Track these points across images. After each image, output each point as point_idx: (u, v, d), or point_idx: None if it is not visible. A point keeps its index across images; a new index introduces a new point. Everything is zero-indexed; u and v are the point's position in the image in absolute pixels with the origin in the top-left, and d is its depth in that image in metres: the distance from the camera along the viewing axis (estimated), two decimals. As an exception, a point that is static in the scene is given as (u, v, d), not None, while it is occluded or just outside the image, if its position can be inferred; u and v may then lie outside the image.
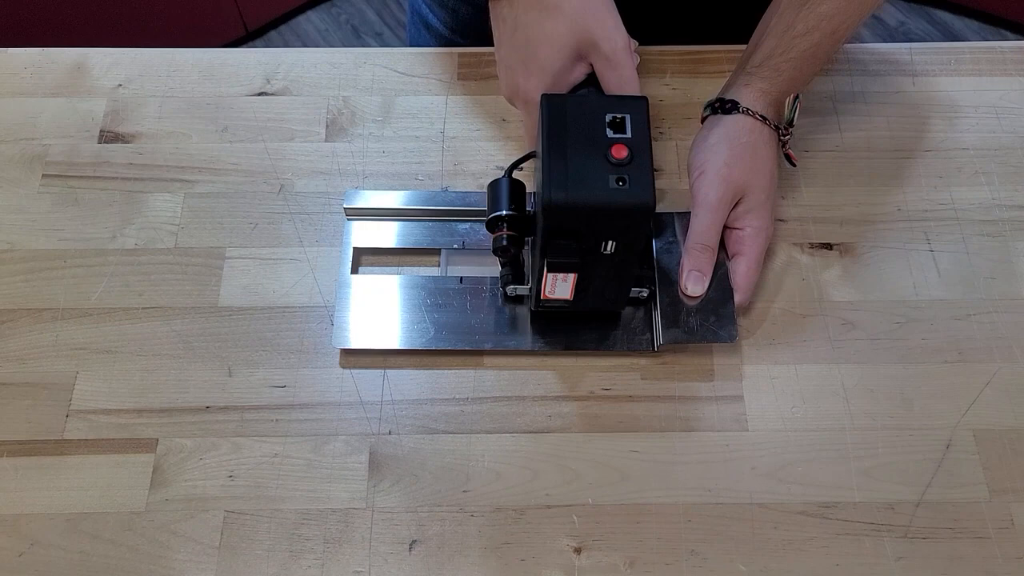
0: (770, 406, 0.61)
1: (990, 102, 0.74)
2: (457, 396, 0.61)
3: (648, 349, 0.62)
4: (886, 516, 0.57)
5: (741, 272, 0.62)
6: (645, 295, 0.62)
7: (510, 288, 0.62)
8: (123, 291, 0.65)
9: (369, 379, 0.62)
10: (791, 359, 0.63)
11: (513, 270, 0.62)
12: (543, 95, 0.55)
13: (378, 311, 0.63)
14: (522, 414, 0.61)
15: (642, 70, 0.74)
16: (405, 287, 0.64)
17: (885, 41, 1.99)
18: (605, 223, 0.53)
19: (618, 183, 0.51)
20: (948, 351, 0.63)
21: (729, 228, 0.63)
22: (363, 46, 1.98)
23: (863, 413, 0.61)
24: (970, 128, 0.72)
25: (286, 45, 1.99)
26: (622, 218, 0.52)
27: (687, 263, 0.62)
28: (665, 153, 0.71)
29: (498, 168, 0.70)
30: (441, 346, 0.62)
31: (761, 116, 0.63)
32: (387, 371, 0.62)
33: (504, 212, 0.57)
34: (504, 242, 0.58)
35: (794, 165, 0.66)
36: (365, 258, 0.67)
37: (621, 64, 0.60)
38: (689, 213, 0.63)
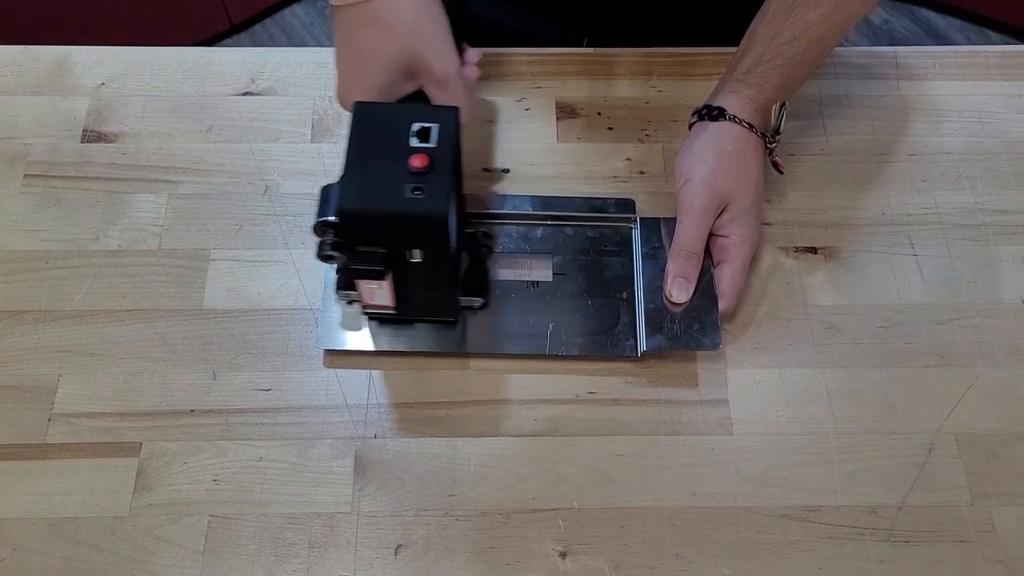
0: (755, 410, 0.61)
1: (974, 106, 0.74)
2: (443, 399, 0.61)
3: (632, 356, 0.62)
4: (869, 520, 0.57)
5: (726, 279, 0.62)
6: (478, 305, 0.62)
7: (342, 294, 0.61)
8: (106, 293, 0.64)
9: (355, 382, 0.62)
10: (775, 363, 0.63)
11: (346, 276, 0.61)
12: (356, 102, 0.55)
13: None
14: (508, 418, 0.61)
15: (629, 72, 0.75)
16: None
17: (869, 39, 1.99)
18: (402, 232, 0.53)
19: (414, 192, 0.52)
20: (931, 355, 0.63)
21: (714, 235, 0.63)
22: (348, 40, 1.97)
23: (847, 417, 0.61)
24: (954, 132, 0.73)
25: (271, 38, 1.98)
26: (417, 227, 0.53)
27: (672, 270, 0.62)
28: (651, 156, 0.71)
29: (484, 169, 0.70)
30: (425, 348, 0.62)
31: (748, 123, 0.63)
32: (372, 374, 0.62)
33: (331, 218, 0.55)
34: (328, 249, 0.57)
35: (781, 173, 0.67)
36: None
37: (450, 87, 0.60)
38: (675, 219, 0.63)
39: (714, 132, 0.63)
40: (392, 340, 0.62)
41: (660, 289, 0.62)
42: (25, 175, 0.69)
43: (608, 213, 0.66)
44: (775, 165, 0.66)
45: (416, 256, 0.55)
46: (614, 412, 0.61)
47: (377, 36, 0.59)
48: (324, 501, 0.58)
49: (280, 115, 0.72)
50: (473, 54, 0.64)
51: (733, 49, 0.76)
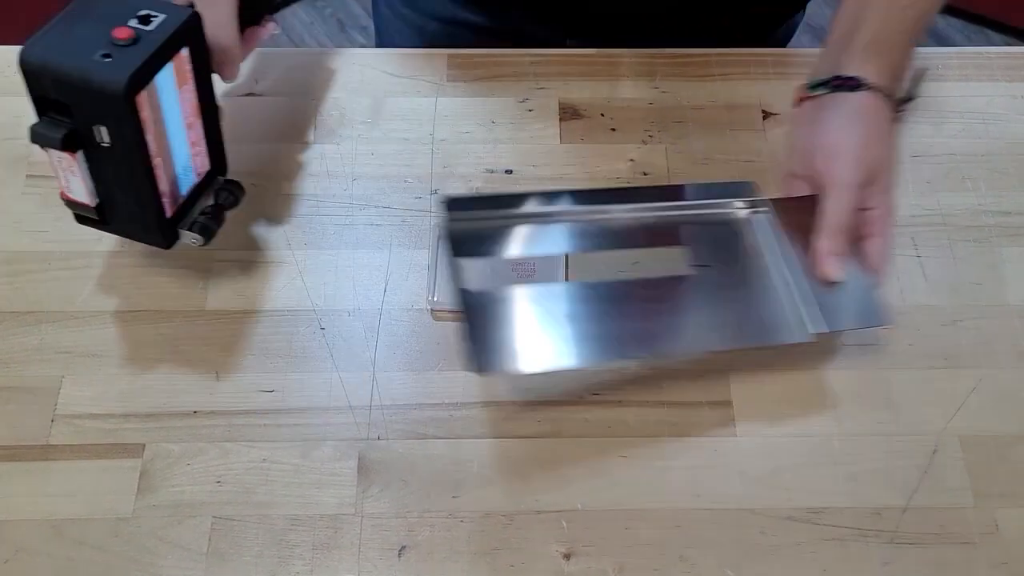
0: (758, 412, 0.61)
1: (977, 108, 0.74)
2: (446, 401, 0.61)
3: (804, 340, 0.59)
4: (873, 521, 0.57)
5: (877, 253, 0.60)
6: (198, 243, 0.60)
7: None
8: (109, 294, 0.64)
9: (358, 384, 0.62)
10: (779, 365, 0.63)
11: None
12: None
13: (519, 326, 0.57)
14: (512, 419, 0.61)
15: (632, 73, 0.75)
16: (539, 299, 0.59)
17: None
18: (81, 99, 0.51)
19: (103, 57, 0.50)
20: (935, 357, 0.63)
21: (859, 209, 0.61)
22: (348, 39, 1.97)
23: (850, 419, 0.61)
24: (957, 133, 0.73)
25: (271, 38, 1.98)
26: (95, 94, 0.50)
27: (824, 247, 0.59)
28: (654, 157, 0.71)
29: (487, 171, 0.70)
30: (598, 360, 0.59)
31: (885, 93, 0.62)
32: (376, 375, 0.62)
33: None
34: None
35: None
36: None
37: (215, 4, 0.58)
38: (809, 197, 0.62)
39: (856, 103, 0.62)
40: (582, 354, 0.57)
41: (811, 270, 0.60)
42: (28, 176, 0.69)
43: (733, 198, 0.64)
44: None
45: (104, 137, 0.52)
46: (618, 413, 0.61)
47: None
48: (327, 502, 0.58)
49: (283, 116, 0.72)
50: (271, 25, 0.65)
51: (737, 50, 0.76)
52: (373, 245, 0.67)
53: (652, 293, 0.61)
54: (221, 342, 0.63)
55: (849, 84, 0.62)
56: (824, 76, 0.64)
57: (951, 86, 0.75)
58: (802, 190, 0.63)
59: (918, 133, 0.73)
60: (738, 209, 0.65)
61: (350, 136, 0.72)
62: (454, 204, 0.61)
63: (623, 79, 0.75)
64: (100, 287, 0.64)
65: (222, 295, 0.65)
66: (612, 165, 0.71)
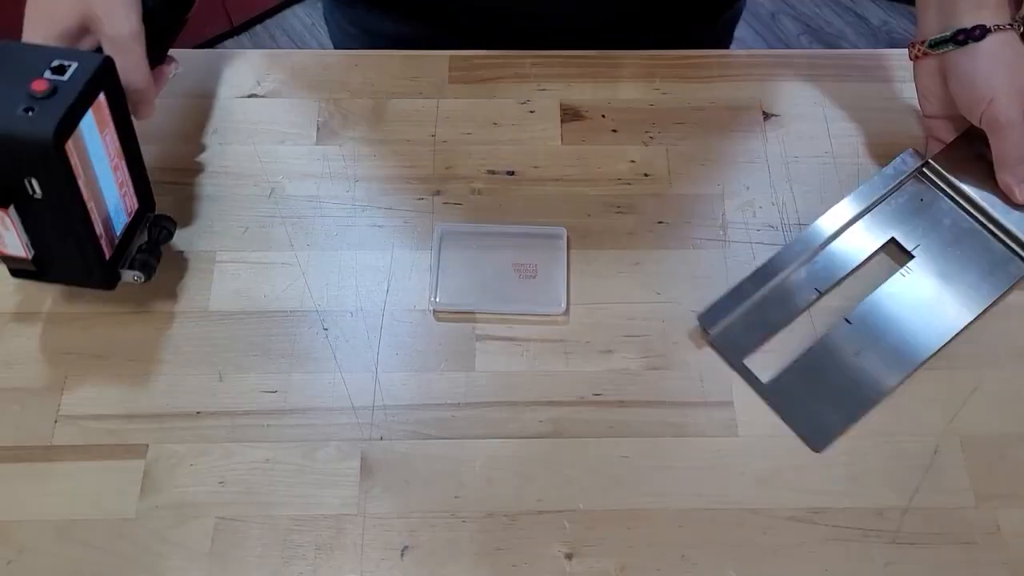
0: (760, 412, 0.61)
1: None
2: (449, 401, 0.61)
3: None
4: (874, 521, 0.58)
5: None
6: (140, 280, 0.60)
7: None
8: (112, 295, 0.64)
9: (361, 384, 0.62)
10: (781, 365, 0.63)
11: None
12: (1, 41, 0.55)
13: (821, 390, 0.62)
14: (514, 419, 0.61)
15: (633, 75, 0.75)
16: None
17: (868, 39, 2.00)
18: (10, 155, 0.51)
19: (25, 112, 0.51)
20: (935, 358, 0.63)
21: None
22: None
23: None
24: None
25: (272, 39, 1.98)
26: (22, 149, 0.51)
27: (1013, 179, 0.65)
28: (655, 158, 0.71)
29: (489, 172, 0.70)
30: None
31: (1012, 24, 0.63)
32: (379, 376, 0.62)
33: None
34: None
35: None
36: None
37: (125, 49, 0.58)
38: (964, 140, 0.68)
39: (989, 50, 0.63)
40: None
41: (1006, 204, 0.66)
42: (31, 177, 0.69)
43: (902, 176, 0.68)
44: None
45: (36, 189, 0.52)
46: (620, 414, 0.61)
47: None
48: (330, 503, 0.58)
49: (285, 118, 0.73)
50: (173, 64, 0.67)
51: (737, 52, 0.77)
52: (375, 246, 0.67)
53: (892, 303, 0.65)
54: (224, 343, 0.63)
55: (974, 35, 0.63)
56: (944, 32, 0.64)
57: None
58: (949, 129, 0.69)
59: (922, 134, 0.73)
60: (912, 180, 0.69)
61: (352, 137, 0.72)
62: (708, 318, 0.63)
63: (624, 81, 0.75)
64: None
65: (225, 296, 0.65)
66: (613, 166, 0.71)
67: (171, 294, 0.65)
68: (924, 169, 0.69)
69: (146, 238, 0.62)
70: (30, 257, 0.57)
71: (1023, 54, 0.63)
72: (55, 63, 0.53)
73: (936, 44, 0.65)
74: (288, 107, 0.73)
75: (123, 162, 0.60)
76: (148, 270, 0.61)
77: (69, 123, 0.52)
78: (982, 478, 0.59)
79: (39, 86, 0.52)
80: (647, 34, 0.78)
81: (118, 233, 0.60)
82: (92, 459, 0.59)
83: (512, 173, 0.70)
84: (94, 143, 0.56)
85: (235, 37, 1.96)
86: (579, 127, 0.73)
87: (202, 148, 0.71)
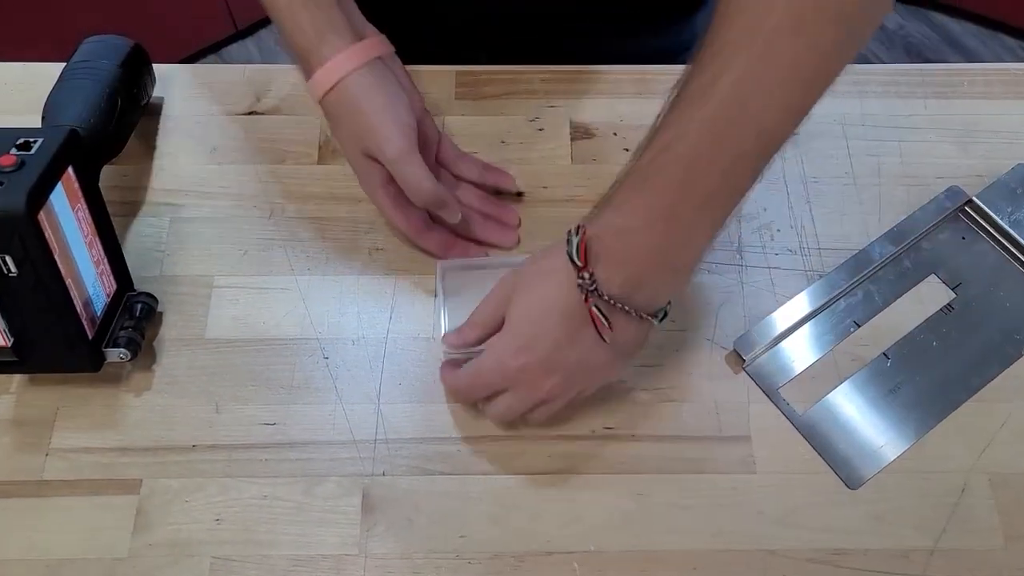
0: (778, 447, 0.59)
1: (1005, 126, 0.71)
2: (453, 435, 0.59)
3: None
4: (899, 565, 0.55)
5: (460, 372, 0.57)
6: (127, 358, 0.58)
7: None
8: (106, 322, 0.62)
9: (362, 416, 0.59)
10: (800, 397, 0.60)
11: None
12: None
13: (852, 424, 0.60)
14: (521, 454, 0.58)
15: (645, 91, 0.72)
16: None
17: (884, 45, 1.97)
18: None
19: None
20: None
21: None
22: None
23: (875, 454, 0.59)
24: (985, 154, 0.70)
25: (277, 44, 1.96)
26: None
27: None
28: (670, 178, 0.69)
29: (496, 193, 0.68)
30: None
31: (570, 257, 0.50)
32: (381, 407, 0.60)
33: None
34: None
35: (604, 340, 0.52)
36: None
37: (402, 169, 0.59)
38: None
39: (549, 249, 0.53)
40: None
41: None
42: None
43: (941, 215, 0.66)
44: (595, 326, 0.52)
45: (11, 267, 0.51)
46: (632, 448, 0.59)
47: (336, 127, 0.62)
48: (330, 542, 0.55)
49: (286, 135, 0.70)
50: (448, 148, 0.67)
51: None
52: (378, 270, 0.65)
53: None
54: (221, 372, 0.61)
55: (568, 232, 0.51)
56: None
57: (977, 104, 0.72)
58: None
59: (943, 154, 0.70)
60: (953, 218, 0.67)
61: None
62: (744, 345, 0.61)
63: (635, 97, 0.72)
64: (97, 314, 0.62)
65: (222, 323, 0.62)
66: (625, 187, 0.68)
67: (167, 321, 0.62)
68: (966, 207, 0.67)
69: (128, 316, 0.60)
70: (9, 344, 0.55)
71: (538, 267, 0.53)
72: (20, 140, 0.53)
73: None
74: (289, 125, 0.71)
75: (98, 240, 0.58)
76: (134, 347, 0.59)
77: (39, 194, 0.51)
78: (1012, 518, 0.56)
79: (6, 161, 0.51)
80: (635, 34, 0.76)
81: (98, 313, 0.58)
82: (84, 494, 0.57)
83: (520, 194, 0.68)
84: (66, 217, 0.54)
85: (240, 41, 1.94)
86: (589, 145, 0.70)
87: (199, 168, 0.69)
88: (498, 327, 0.54)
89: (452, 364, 0.59)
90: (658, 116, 0.50)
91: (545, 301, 0.52)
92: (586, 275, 0.49)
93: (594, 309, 0.50)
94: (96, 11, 1.66)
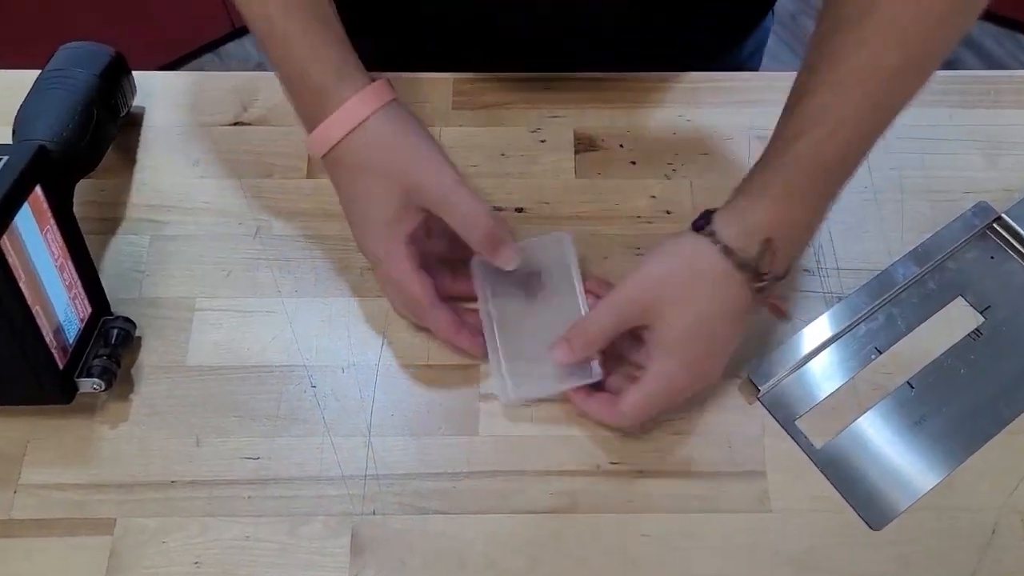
0: (795, 483, 0.55)
1: (1032, 137, 0.67)
2: (449, 470, 0.55)
3: None
4: (926, 613, 0.51)
5: (628, 400, 0.53)
6: (100, 388, 0.54)
7: None
8: (81, 347, 0.58)
9: (352, 450, 0.56)
10: (817, 429, 0.57)
11: None
12: None
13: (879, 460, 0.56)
14: (521, 492, 0.55)
15: (654, 100, 0.69)
16: None
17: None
18: None
19: None
20: (992, 422, 0.57)
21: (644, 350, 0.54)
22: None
23: (899, 492, 0.55)
24: (1014, 166, 0.66)
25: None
26: None
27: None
28: (678, 194, 0.65)
29: (496, 208, 0.64)
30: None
31: (722, 244, 0.50)
32: (372, 440, 0.56)
33: None
34: None
35: (784, 318, 0.57)
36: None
37: (454, 203, 0.53)
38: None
39: (678, 241, 0.53)
40: None
41: None
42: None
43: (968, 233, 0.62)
44: (771, 308, 0.57)
45: None
46: (639, 485, 0.55)
47: (359, 179, 0.54)
48: (317, 587, 0.52)
49: (274, 147, 0.66)
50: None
51: (771, 74, 0.71)
52: (370, 292, 0.61)
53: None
54: (202, 402, 0.57)
55: (698, 223, 0.52)
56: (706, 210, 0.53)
57: (1006, 114, 0.68)
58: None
59: (970, 166, 0.66)
60: (981, 236, 0.63)
61: None
62: (760, 374, 0.57)
63: (644, 107, 0.69)
64: (71, 340, 0.59)
65: (204, 349, 0.59)
66: (632, 202, 0.65)
67: (145, 346, 0.59)
68: (995, 224, 0.63)
69: (103, 343, 0.56)
70: None
71: (684, 266, 0.52)
72: None
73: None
74: (277, 136, 0.67)
75: (70, 263, 0.54)
76: (108, 377, 0.55)
77: (1, 217, 0.47)
78: (1047, 563, 0.53)
79: None
80: (666, 60, 0.70)
81: (71, 341, 0.55)
82: (54, 535, 0.53)
83: (521, 210, 0.64)
84: (34, 240, 0.51)
85: (238, 40, 1.90)
86: (594, 158, 0.66)
87: (181, 182, 0.65)
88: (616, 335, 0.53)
89: (583, 391, 0.55)
90: (795, 98, 0.50)
91: (713, 308, 0.51)
92: (768, 277, 0.50)
93: (772, 299, 0.52)
94: (92, 10, 1.63)
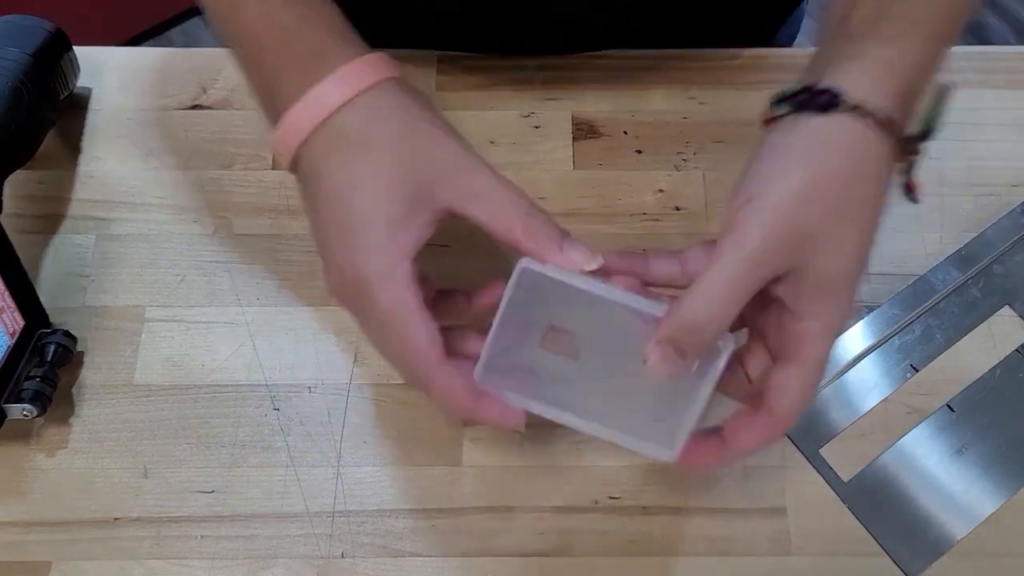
0: (819, 521, 0.49)
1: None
2: (427, 506, 0.49)
3: None
4: (968, 675, 0.45)
5: (791, 386, 0.40)
6: (32, 415, 0.48)
7: None
8: (15, 364, 0.52)
9: (318, 482, 0.50)
10: (845, 461, 0.50)
11: None
12: None
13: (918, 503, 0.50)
14: (508, 531, 0.49)
15: (663, 80, 0.62)
16: None
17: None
18: None
19: None
20: (1042, 453, 0.51)
21: (777, 311, 0.40)
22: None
23: (936, 533, 0.49)
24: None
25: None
26: None
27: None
28: (688, 187, 0.58)
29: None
30: None
31: (878, 118, 0.38)
32: (341, 471, 0.50)
33: None
34: None
35: (915, 201, 0.43)
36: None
37: (491, 188, 0.42)
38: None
39: (814, 133, 0.39)
40: None
41: None
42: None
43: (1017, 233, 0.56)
44: (908, 189, 0.43)
45: None
46: (643, 524, 0.49)
47: (353, 162, 0.41)
48: (277, 642, 0.46)
49: (236, 135, 0.60)
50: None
51: (792, 51, 0.64)
52: (342, 300, 0.54)
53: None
54: (151, 426, 0.51)
55: (818, 100, 0.39)
56: (792, 86, 0.41)
57: None
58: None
59: (1020, 156, 0.59)
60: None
61: None
62: None
63: (651, 87, 0.61)
64: (4, 355, 0.52)
65: (154, 365, 0.53)
66: (637, 197, 0.58)
67: (88, 362, 0.53)
68: None
69: (38, 361, 0.50)
70: None
71: (854, 177, 0.38)
72: None
73: (779, 100, 0.41)
74: (240, 120, 0.60)
75: None
76: (42, 401, 0.48)
77: None
78: (1106, 617, 0.47)
79: None
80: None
81: None
82: (-19, 581, 0.47)
83: (512, 207, 0.57)
84: None
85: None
86: (595, 147, 0.59)
87: (131, 174, 0.58)
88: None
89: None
90: None
91: (878, 209, 0.39)
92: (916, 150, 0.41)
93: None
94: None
